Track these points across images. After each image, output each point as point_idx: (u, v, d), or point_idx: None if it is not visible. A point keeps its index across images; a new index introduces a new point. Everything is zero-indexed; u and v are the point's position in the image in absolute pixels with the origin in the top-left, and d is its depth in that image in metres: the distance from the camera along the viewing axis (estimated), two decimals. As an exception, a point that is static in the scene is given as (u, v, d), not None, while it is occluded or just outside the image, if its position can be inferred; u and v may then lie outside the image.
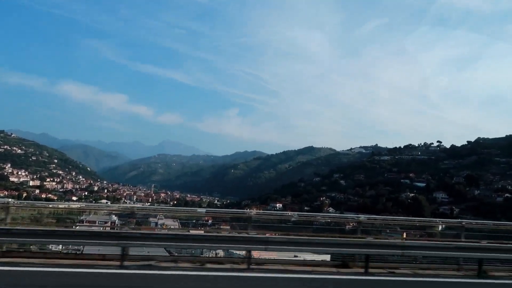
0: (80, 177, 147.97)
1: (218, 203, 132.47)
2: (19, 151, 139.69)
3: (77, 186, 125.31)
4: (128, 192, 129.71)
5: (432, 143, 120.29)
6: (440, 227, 15.68)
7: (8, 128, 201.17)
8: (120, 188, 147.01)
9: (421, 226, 15.57)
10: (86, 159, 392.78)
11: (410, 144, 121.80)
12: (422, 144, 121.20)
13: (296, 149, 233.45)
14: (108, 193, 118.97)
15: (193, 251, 12.97)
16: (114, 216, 18.72)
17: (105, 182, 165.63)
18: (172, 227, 33.86)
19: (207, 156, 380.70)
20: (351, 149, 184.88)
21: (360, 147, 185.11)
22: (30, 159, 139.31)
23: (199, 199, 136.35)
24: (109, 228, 13.74)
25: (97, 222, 21.39)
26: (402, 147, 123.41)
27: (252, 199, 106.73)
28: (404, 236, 15.41)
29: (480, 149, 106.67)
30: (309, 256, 11.60)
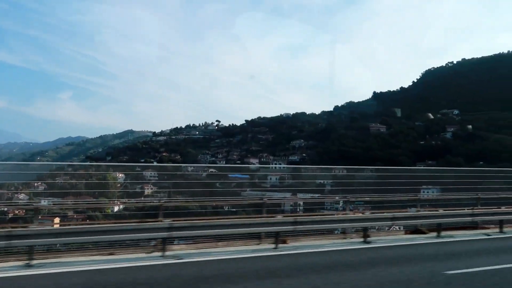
0: None
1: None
2: None
3: None
4: None
5: (213, 123, 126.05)
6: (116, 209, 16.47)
7: None
8: None
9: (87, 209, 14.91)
10: None
11: (193, 124, 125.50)
12: (203, 123, 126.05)
13: (115, 133, 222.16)
14: None
15: None
16: None
17: None
18: None
19: (26, 144, 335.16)
20: (162, 131, 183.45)
21: (176, 128, 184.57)
22: None
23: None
24: None
25: None
26: (183, 127, 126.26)
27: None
28: (56, 221, 14.08)
29: (251, 128, 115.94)
30: None
